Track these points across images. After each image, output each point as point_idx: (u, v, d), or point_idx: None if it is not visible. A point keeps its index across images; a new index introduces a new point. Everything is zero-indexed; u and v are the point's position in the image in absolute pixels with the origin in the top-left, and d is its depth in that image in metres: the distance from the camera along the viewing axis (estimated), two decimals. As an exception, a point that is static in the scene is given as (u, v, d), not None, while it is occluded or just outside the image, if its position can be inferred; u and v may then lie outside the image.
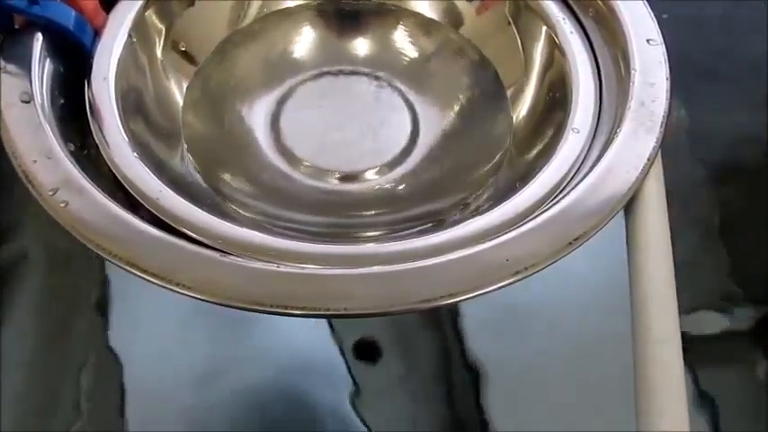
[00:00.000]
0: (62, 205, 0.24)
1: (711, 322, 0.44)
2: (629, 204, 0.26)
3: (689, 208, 0.48)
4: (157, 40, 0.32)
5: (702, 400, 0.41)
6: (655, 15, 0.30)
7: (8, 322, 0.39)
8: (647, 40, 0.29)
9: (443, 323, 0.41)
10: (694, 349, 0.43)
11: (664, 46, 0.29)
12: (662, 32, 0.30)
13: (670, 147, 0.51)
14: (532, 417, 0.38)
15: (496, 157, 0.32)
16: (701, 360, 0.42)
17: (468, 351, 0.40)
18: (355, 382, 0.39)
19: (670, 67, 0.29)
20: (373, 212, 0.31)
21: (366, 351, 0.40)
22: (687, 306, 0.45)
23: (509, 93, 0.33)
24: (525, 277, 0.23)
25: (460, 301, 0.23)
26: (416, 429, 0.38)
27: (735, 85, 0.52)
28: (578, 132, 0.28)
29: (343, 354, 0.39)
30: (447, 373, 0.40)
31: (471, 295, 0.23)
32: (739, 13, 0.55)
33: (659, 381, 0.21)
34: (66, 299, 0.40)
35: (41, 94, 0.27)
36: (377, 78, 0.34)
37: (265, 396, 0.39)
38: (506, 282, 0.23)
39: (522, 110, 0.32)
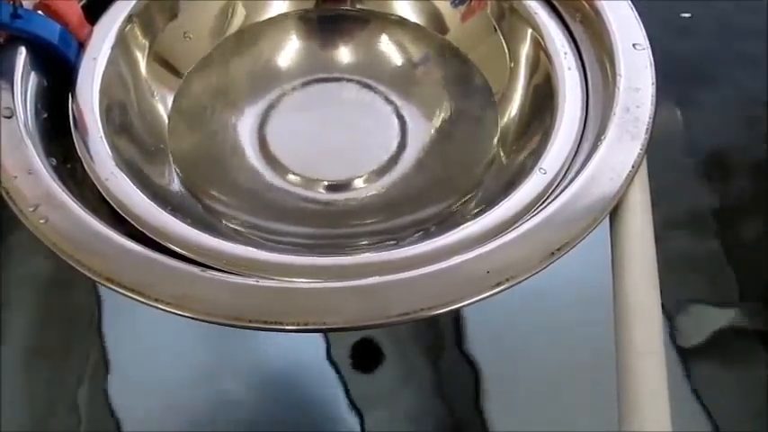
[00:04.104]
0: (42, 221, 0.24)
1: (709, 321, 0.44)
2: (614, 212, 0.25)
3: (685, 208, 0.48)
4: (141, 54, 0.32)
5: (700, 400, 0.41)
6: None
7: (3, 334, 0.39)
8: (633, 45, 0.29)
9: (442, 328, 0.41)
10: (692, 349, 0.43)
11: (650, 50, 0.29)
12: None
13: (666, 147, 0.51)
14: (530, 421, 0.38)
15: (484, 163, 0.31)
16: (699, 360, 0.42)
17: (467, 356, 0.40)
18: (351, 390, 0.39)
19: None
20: (361, 222, 0.31)
21: (364, 356, 0.40)
22: (684, 305, 0.44)
23: (496, 98, 0.33)
24: (506, 289, 0.23)
25: (440, 314, 0.22)
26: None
27: (731, 86, 0.52)
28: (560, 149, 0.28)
29: (339, 362, 0.39)
30: (445, 378, 0.40)
31: (450, 308, 0.22)
32: (737, 14, 0.54)
33: (642, 393, 0.21)
34: (61, 309, 0.40)
35: (24, 108, 0.27)
36: (364, 85, 0.34)
37: (261, 404, 0.39)
38: (486, 294, 0.23)
39: (509, 115, 0.32)
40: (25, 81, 0.28)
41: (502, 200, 0.27)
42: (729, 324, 0.44)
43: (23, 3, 0.29)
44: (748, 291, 0.44)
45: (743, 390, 0.41)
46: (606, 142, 0.26)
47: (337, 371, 0.39)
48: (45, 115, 0.28)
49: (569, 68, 0.29)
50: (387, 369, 0.40)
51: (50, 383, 0.39)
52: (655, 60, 0.29)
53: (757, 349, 0.43)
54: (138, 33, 0.32)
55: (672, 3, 0.52)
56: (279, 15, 0.35)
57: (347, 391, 0.38)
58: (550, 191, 0.27)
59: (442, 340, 0.41)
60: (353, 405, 0.38)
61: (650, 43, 0.29)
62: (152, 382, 0.39)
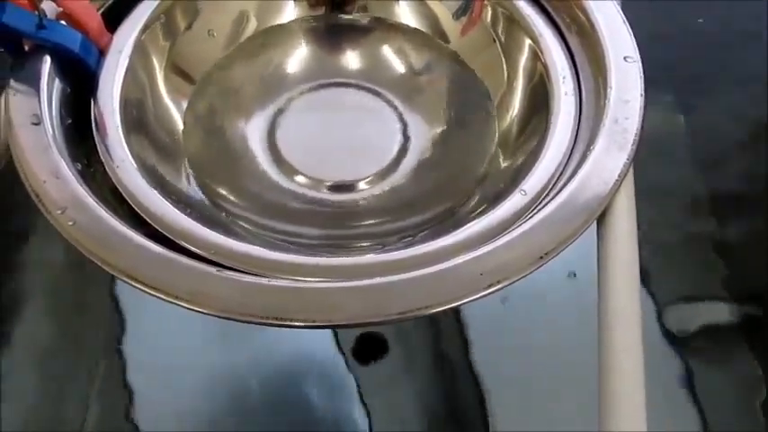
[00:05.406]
0: (70, 224, 0.26)
1: (699, 318, 0.45)
2: (601, 219, 0.27)
3: (681, 208, 0.50)
4: (158, 59, 0.33)
5: (689, 394, 0.42)
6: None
7: (19, 326, 0.41)
8: (625, 58, 0.30)
9: (442, 324, 0.43)
10: (682, 343, 0.44)
11: (640, 63, 0.30)
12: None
13: (666, 145, 0.52)
14: (527, 410, 0.40)
15: (483, 167, 0.33)
16: (689, 354, 0.44)
17: (469, 349, 0.42)
18: (358, 381, 0.40)
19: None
20: (364, 223, 0.32)
21: (369, 349, 0.42)
22: (675, 300, 0.46)
23: (495, 103, 0.34)
24: (499, 290, 0.25)
25: (436, 312, 0.24)
26: (418, 422, 0.40)
27: (733, 89, 0.53)
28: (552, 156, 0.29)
29: (344, 354, 0.41)
30: (447, 371, 0.41)
31: (445, 307, 0.24)
32: (739, 20, 0.55)
33: (621, 389, 0.23)
34: (76, 303, 0.42)
35: (50, 115, 0.29)
36: (369, 91, 0.35)
37: (269, 395, 0.41)
38: (480, 294, 0.24)
39: (507, 120, 0.34)
40: (50, 88, 0.30)
41: (498, 204, 0.28)
42: (718, 319, 0.45)
43: (45, 10, 0.30)
44: (739, 288, 0.46)
45: (731, 382, 0.43)
46: (595, 152, 0.28)
47: (343, 363, 0.41)
48: (69, 121, 0.30)
49: (566, 93, 0.31)
50: (390, 361, 0.42)
51: (64, 376, 0.40)
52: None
53: (744, 343, 0.44)
54: (155, 41, 0.33)
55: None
56: (289, 22, 0.36)
57: (352, 382, 0.40)
58: (545, 194, 0.28)
59: (442, 335, 0.43)
60: (359, 395, 0.40)
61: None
62: (162, 375, 0.40)
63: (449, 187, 0.33)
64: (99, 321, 0.41)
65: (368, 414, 0.39)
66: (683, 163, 0.51)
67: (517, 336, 0.41)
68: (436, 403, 0.40)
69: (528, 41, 0.33)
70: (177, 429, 0.38)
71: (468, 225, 0.27)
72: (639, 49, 0.30)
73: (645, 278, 0.45)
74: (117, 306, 0.42)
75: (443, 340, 0.42)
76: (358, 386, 0.40)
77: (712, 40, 0.54)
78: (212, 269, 0.25)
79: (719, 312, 0.45)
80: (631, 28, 0.31)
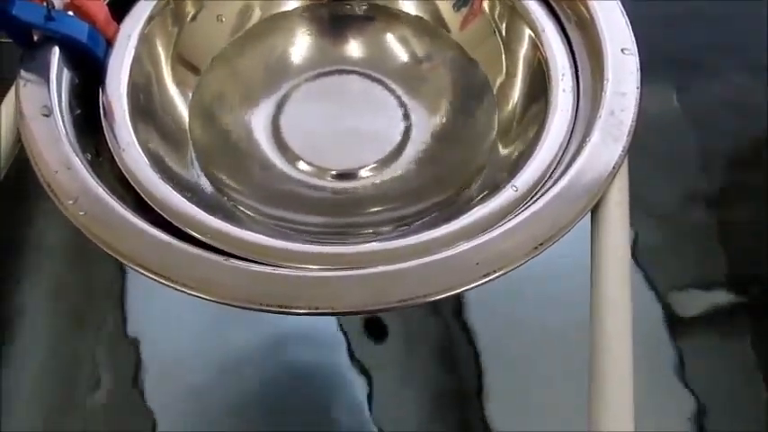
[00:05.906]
0: (81, 213, 0.27)
1: (698, 302, 0.46)
2: (595, 210, 0.28)
3: (681, 191, 0.50)
4: (164, 49, 0.34)
5: (687, 377, 0.43)
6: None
7: (29, 309, 0.42)
8: (622, 50, 0.31)
9: (445, 308, 0.44)
10: (680, 329, 0.45)
11: (637, 55, 0.30)
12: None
13: (665, 130, 0.53)
14: (521, 389, 0.41)
15: (482, 157, 0.33)
16: (687, 339, 0.45)
17: (466, 330, 0.43)
18: (359, 358, 0.41)
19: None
20: (366, 211, 0.33)
21: (373, 329, 0.43)
22: (675, 286, 0.47)
23: (495, 91, 0.35)
24: (494, 279, 0.26)
25: (434, 300, 0.25)
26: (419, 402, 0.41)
27: (728, 75, 0.53)
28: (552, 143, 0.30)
29: (349, 336, 0.42)
30: (448, 352, 0.43)
31: (443, 296, 0.25)
32: (738, 8, 0.55)
33: (610, 374, 0.24)
34: (86, 285, 0.43)
35: (60, 106, 0.30)
36: (372, 79, 0.36)
37: (274, 376, 0.42)
38: (476, 284, 0.25)
39: (506, 111, 0.34)
40: (59, 79, 0.30)
41: (496, 193, 0.29)
42: (717, 305, 0.46)
43: (53, 2, 0.31)
44: (738, 274, 0.47)
45: (729, 369, 0.44)
46: (591, 144, 0.28)
47: (347, 342, 0.42)
48: (78, 111, 0.31)
49: (564, 90, 0.31)
50: (392, 340, 0.43)
51: (72, 358, 0.41)
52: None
53: (744, 325, 0.45)
54: (162, 29, 0.34)
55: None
56: (292, 11, 0.37)
57: (354, 359, 0.41)
58: (542, 182, 0.29)
59: (443, 316, 0.44)
60: (362, 372, 0.41)
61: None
62: (171, 353, 0.41)
63: (449, 176, 0.33)
64: (107, 306, 0.42)
65: (369, 405, 0.40)
66: (680, 143, 0.52)
67: (516, 320, 0.42)
68: (434, 384, 0.42)
69: (528, 33, 0.33)
70: (186, 409, 0.40)
71: (467, 214, 0.28)
72: (636, 33, 0.31)
73: (644, 265, 0.46)
74: (125, 292, 0.43)
75: (443, 323, 0.43)
76: (360, 370, 0.41)
77: (712, 23, 0.54)
78: (219, 258, 0.26)
79: (718, 298, 0.46)
80: (629, 13, 0.31)
